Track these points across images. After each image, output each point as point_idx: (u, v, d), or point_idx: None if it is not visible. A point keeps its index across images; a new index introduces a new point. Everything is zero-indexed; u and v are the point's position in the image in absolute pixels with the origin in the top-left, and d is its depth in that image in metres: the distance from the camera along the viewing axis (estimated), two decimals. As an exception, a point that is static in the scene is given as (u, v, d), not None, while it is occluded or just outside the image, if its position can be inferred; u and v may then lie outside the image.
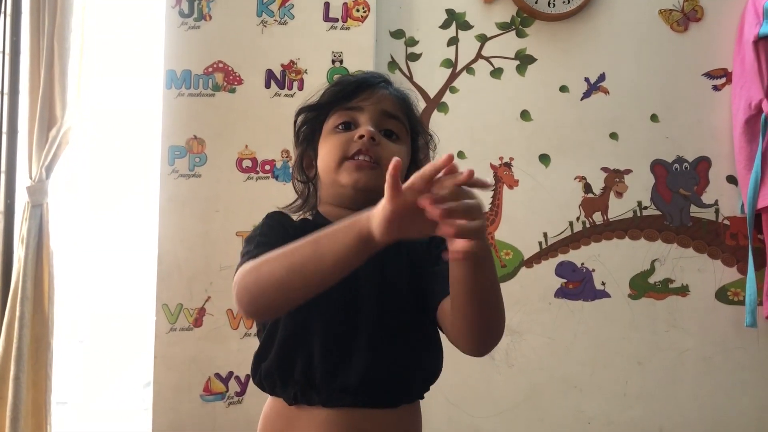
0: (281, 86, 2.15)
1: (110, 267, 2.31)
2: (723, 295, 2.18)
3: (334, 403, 0.93)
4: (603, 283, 2.19)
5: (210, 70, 2.15)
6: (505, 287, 2.13)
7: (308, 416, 0.94)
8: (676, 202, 2.20)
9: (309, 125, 1.08)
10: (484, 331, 0.89)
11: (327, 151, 1.01)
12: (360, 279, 0.90)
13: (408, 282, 0.98)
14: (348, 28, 2.15)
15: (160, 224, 2.11)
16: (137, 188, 2.28)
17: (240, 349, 2.08)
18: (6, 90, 2.37)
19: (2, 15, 2.31)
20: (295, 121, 1.09)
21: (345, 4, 2.14)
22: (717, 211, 2.19)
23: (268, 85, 2.15)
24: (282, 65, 2.15)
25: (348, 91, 1.03)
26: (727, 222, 2.19)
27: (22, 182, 2.23)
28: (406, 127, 1.04)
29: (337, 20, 2.15)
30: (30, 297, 2.07)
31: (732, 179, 2.19)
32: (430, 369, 1.01)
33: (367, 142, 0.98)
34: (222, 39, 2.16)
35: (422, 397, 1.03)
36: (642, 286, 2.19)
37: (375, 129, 0.99)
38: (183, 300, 2.11)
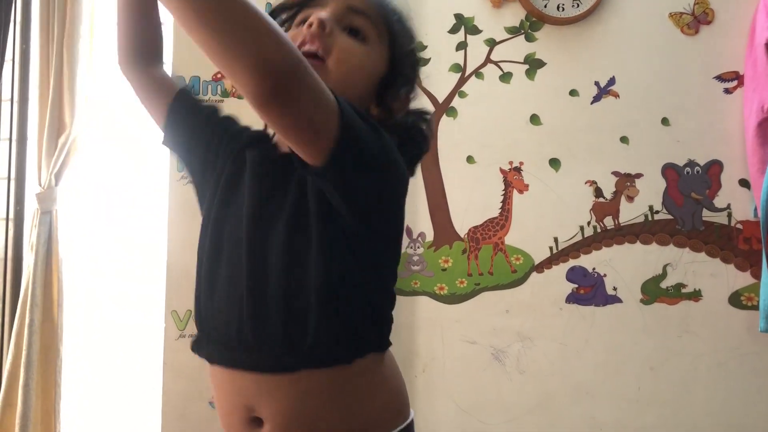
0: (290, 92, 2.14)
1: (119, 273, 2.30)
2: (736, 299, 2.15)
3: (215, 360, 0.85)
4: (615, 288, 2.17)
5: (219, 76, 2.15)
6: (515, 292, 2.16)
7: (210, 372, 0.89)
8: (687, 206, 2.18)
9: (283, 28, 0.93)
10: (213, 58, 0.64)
11: None
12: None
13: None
14: (356, 34, 2.15)
15: (169, 230, 2.11)
16: (146, 194, 2.28)
17: (249, 356, 2.06)
18: (16, 98, 2.38)
19: (12, 23, 2.32)
20: None
21: None
22: (729, 215, 2.17)
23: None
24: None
25: None
26: (739, 226, 2.17)
27: (32, 189, 2.24)
28: (378, 29, 0.88)
29: (345, 25, 2.14)
30: (39, 304, 2.08)
31: (744, 183, 2.17)
32: (337, 312, 0.80)
33: (315, 30, 0.82)
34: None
35: (348, 361, 0.81)
36: (654, 291, 2.17)
37: (335, 21, 0.85)
38: (192, 306, 2.10)
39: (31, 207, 2.23)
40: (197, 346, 0.89)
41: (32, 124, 2.28)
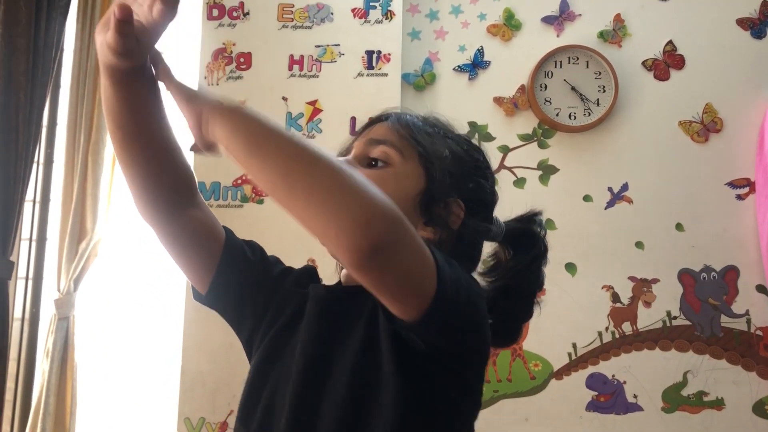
0: (308, 197, 2.18)
1: (132, 379, 2.28)
2: (761, 409, 2.11)
3: None
4: (635, 396, 2.13)
5: (239, 181, 2.19)
6: (535, 400, 2.12)
7: None
8: (705, 312, 2.17)
9: None
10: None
11: None
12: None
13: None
14: (374, 142, 2.20)
15: (184, 335, 2.10)
16: (162, 299, 2.28)
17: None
18: (38, 198, 2.42)
19: (42, 128, 2.38)
20: None
21: (370, 118, 2.20)
22: (749, 322, 2.15)
23: (294, 196, 2.18)
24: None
25: (356, 136, 0.90)
26: (759, 332, 2.14)
27: (48, 293, 2.25)
28: (401, 149, 0.84)
29: (363, 134, 2.20)
30: (52, 413, 2.05)
31: (762, 289, 2.16)
32: None
33: None
34: (251, 152, 2.21)
35: None
36: (675, 399, 2.13)
37: (355, 161, 0.84)
38: (205, 413, 2.07)
39: (46, 310, 2.23)
40: None
41: (53, 227, 2.31)
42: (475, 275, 0.90)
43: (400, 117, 0.88)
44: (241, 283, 0.88)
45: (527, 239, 0.92)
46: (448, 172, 0.84)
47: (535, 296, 0.94)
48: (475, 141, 0.95)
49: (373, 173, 0.82)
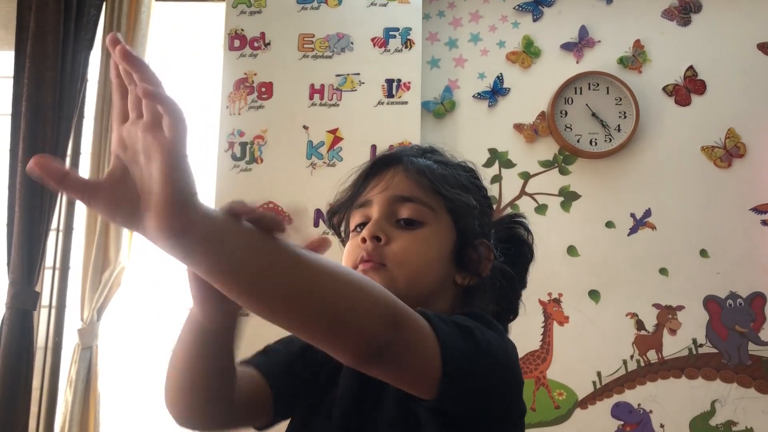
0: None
1: (155, 409, 2.28)
2: (792, 439, 2.07)
3: None
4: (662, 426, 2.10)
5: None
6: (559, 430, 2.08)
7: None
8: (732, 340, 2.13)
9: (341, 229, 0.92)
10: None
11: (343, 260, 0.84)
12: None
13: None
14: (395, 170, 2.21)
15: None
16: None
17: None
18: (62, 227, 2.44)
19: (66, 157, 2.41)
20: (330, 225, 0.95)
21: (391, 146, 2.21)
22: (777, 349, 2.12)
23: (316, 224, 2.19)
24: (330, 204, 2.19)
25: (359, 184, 0.87)
26: (788, 360, 2.11)
27: (71, 322, 2.26)
28: (431, 204, 0.83)
29: (383, 162, 2.21)
30: (75, 442, 2.05)
31: (790, 315, 2.13)
32: None
33: (369, 248, 0.80)
34: (272, 180, 2.22)
35: None
36: (703, 429, 2.09)
37: (386, 222, 0.82)
38: (228, 444, 2.06)
39: (69, 339, 2.24)
40: None
41: (76, 256, 2.32)
42: None
43: (415, 164, 0.85)
44: (293, 397, 0.87)
45: (516, 245, 0.91)
46: (476, 219, 0.85)
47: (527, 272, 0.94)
48: (470, 164, 0.93)
49: (411, 236, 0.81)
